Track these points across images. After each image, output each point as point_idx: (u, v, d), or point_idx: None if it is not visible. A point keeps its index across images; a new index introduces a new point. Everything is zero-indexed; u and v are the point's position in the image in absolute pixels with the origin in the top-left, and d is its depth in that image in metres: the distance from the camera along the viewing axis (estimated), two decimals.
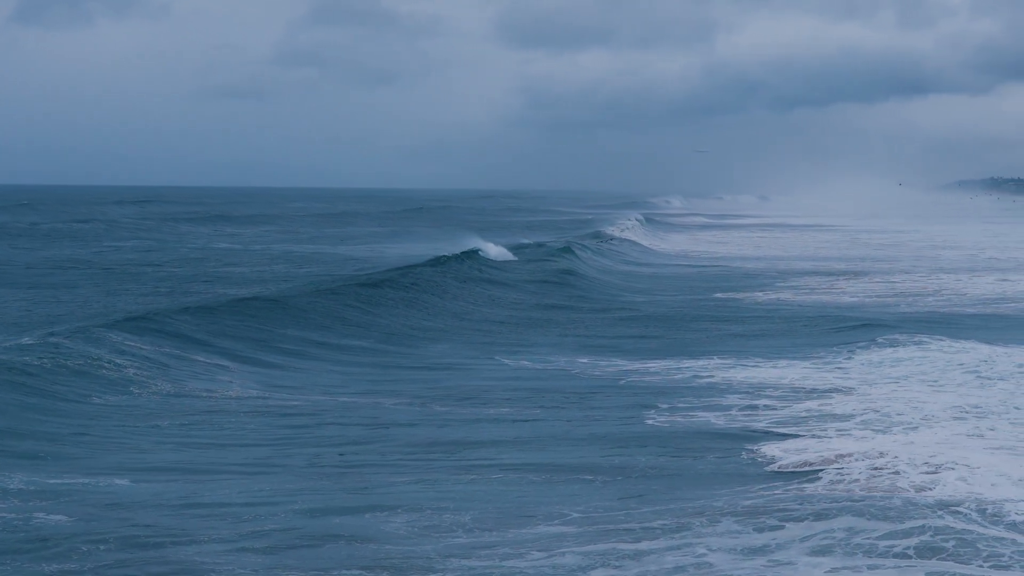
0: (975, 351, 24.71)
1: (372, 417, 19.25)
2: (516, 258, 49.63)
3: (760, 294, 41.13)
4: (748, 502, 13.68)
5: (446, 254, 45.51)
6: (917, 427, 17.65)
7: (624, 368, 24.42)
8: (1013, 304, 37.23)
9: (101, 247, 65.26)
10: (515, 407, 20.18)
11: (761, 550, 11.77)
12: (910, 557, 11.50)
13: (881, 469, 15.06)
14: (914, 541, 11.87)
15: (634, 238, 70.94)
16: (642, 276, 49.98)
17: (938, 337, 26.59)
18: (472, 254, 46.73)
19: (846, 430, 17.65)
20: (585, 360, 25.60)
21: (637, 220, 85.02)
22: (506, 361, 25.56)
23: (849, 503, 13.38)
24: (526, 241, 59.45)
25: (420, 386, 22.48)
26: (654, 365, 24.67)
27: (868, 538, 11.98)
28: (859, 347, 26.15)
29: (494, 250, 50.12)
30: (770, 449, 16.55)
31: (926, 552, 11.62)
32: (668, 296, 41.20)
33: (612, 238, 65.92)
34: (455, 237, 56.57)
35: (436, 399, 20.94)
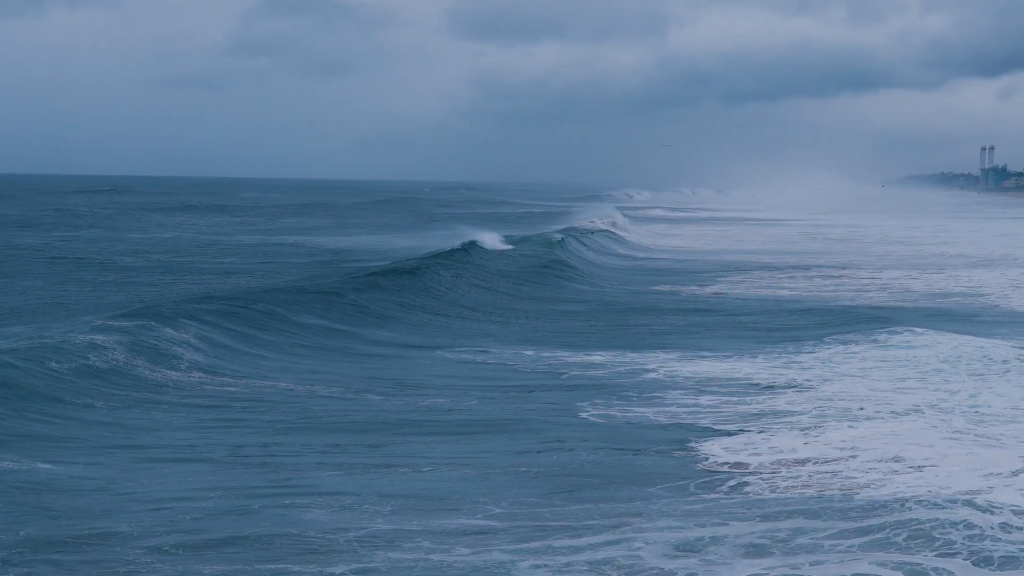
0: (931, 344, 24.45)
1: (303, 406, 18.95)
2: (511, 247, 49.52)
3: (710, 287, 40.95)
4: (686, 499, 13.44)
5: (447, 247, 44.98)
6: (868, 422, 17.41)
7: (568, 360, 24.15)
8: (959, 299, 37.25)
9: (100, 237, 64.30)
10: (450, 398, 19.87)
11: (696, 548, 11.48)
12: (853, 551, 11.27)
13: (829, 465, 14.91)
14: (861, 539, 11.62)
15: (620, 232, 70.15)
16: (620, 269, 49.69)
17: (893, 331, 26.39)
18: (472, 246, 46.52)
19: (794, 426, 17.43)
20: (530, 352, 25.31)
21: (614, 214, 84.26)
22: (447, 355, 25.02)
23: (793, 501, 13.15)
24: (521, 233, 58.80)
25: (359, 374, 22.20)
26: (599, 357, 24.38)
27: (813, 537, 11.72)
28: (810, 342, 25.95)
29: (490, 240, 49.70)
30: (711, 447, 16.28)
31: (871, 546, 11.41)
32: (626, 287, 40.86)
33: (594, 232, 64.72)
34: (454, 229, 56.18)
35: (372, 388, 20.66)
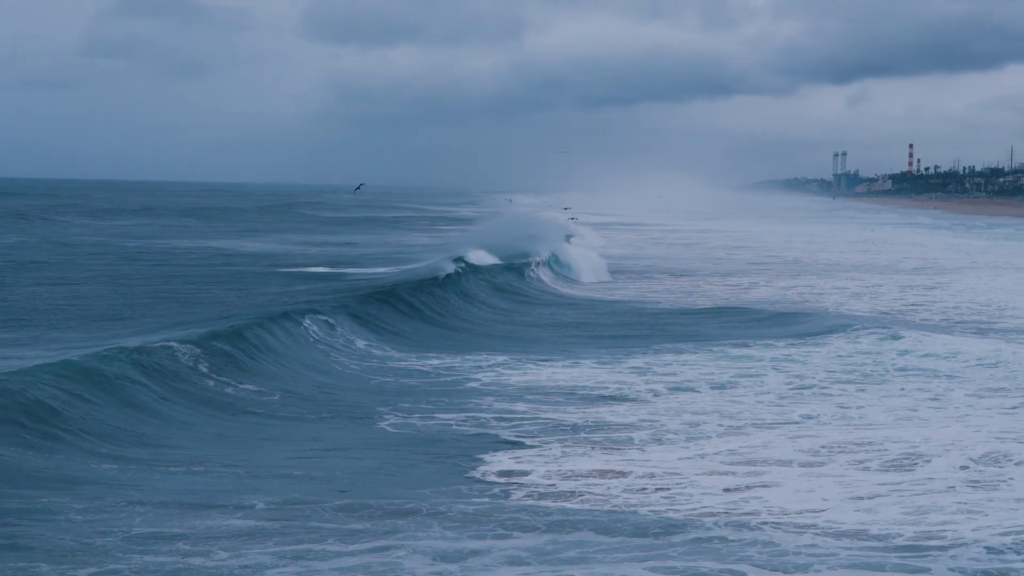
0: (779, 360, 24.37)
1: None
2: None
3: (550, 292, 40.56)
4: (461, 510, 13.27)
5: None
6: (688, 441, 17.35)
7: (394, 364, 23.84)
8: (765, 303, 37.21)
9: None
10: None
11: (461, 557, 11.44)
12: (635, 564, 11.23)
13: (631, 480, 14.89)
14: (644, 553, 11.60)
15: None
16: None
17: (744, 343, 26.52)
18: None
19: (607, 439, 17.27)
20: (362, 344, 25.15)
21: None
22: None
23: (578, 515, 13.09)
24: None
25: None
26: (432, 362, 24.15)
27: (594, 550, 11.71)
28: (638, 351, 25.66)
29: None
30: (502, 457, 16.15)
31: (654, 558, 11.39)
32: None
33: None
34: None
35: None
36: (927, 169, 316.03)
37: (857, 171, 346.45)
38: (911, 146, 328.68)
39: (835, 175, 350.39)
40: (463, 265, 39.51)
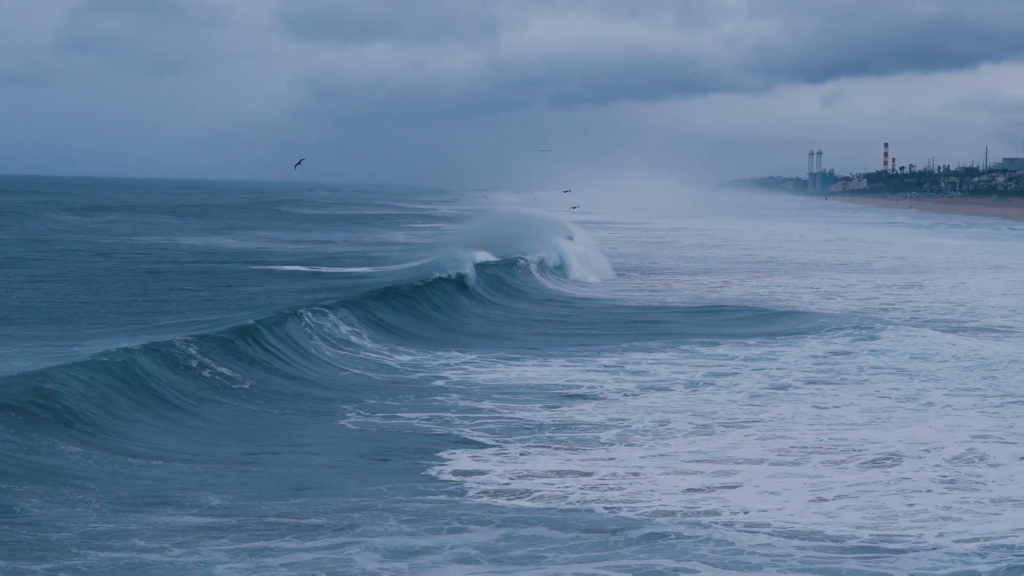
0: (728, 356, 24.19)
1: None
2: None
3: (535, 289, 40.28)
4: (417, 507, 13.19)
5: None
6: (640, 442, 17.14)
7: (365, 357, 23.79)
8: (739, 302, 37.12)
9: None
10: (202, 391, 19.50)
11: (412, 554, 11.41)
12: (588, 562, 11.20)
13: (591, 480, 14.71)
14: (598, 552, 11.53)
15: None
16: None
17: (714, 342, 26.32)
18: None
19: (573, 439, 17.11)
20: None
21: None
22: None
23: (533, 514, 13.02)
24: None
25: None
26: (402, 358, 23.91)
27: (546, 548, 11.64)
28: (608, 349, 25.36)
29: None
30: (462, 456, 16.01)
31: (608, 557, 11.35)
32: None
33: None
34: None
35: None
36: (902, 168, 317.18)
37: (832, 170, 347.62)
38: (886, 145, 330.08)
39: (810, 174, 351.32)
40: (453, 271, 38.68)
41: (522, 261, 43.91)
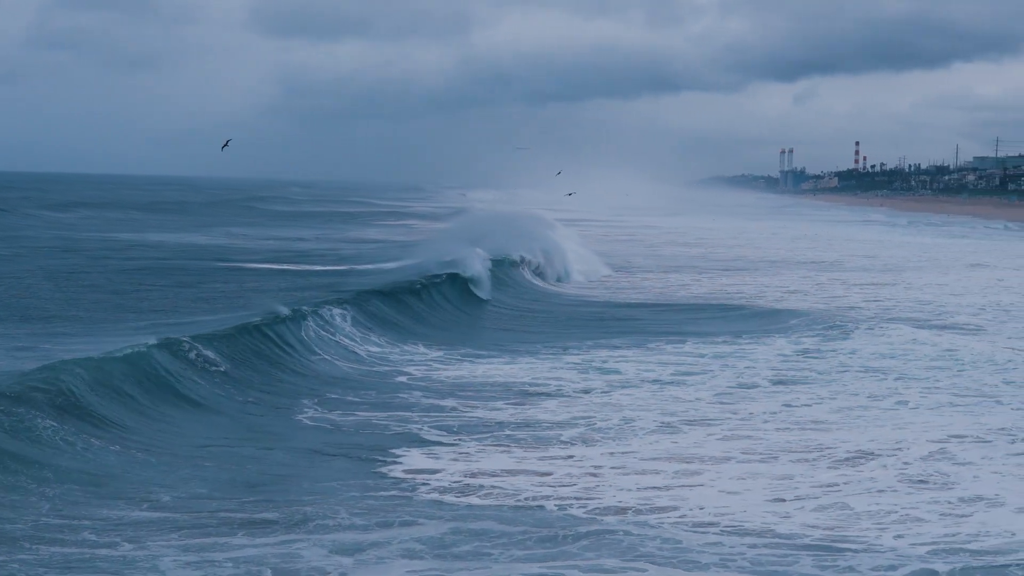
0: (697, 353, 23.88)
1: None
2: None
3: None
4: (368, 504, 13.11)
5: None
6: (601, 440, 16.99)
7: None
8: (709, 299, 36.91)
9: None
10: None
11: (359, 549, 11.39)
12: (533, 560, 11.14)
13: (540, 477, 14.61)
14: (545, 550, 11.47)
15: None
16: None
17: (677, 340, 25.97)
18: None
19: (524, 439, 17.03)
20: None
21: None
22: None
23: (484, 511, 12.96)
24: None
25: None
26: (372, 350, 23.90)
27: (492, 545, 11.58)
28: (576, 347, 25.18)
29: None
30: (416, 453, 15.87)
31: (556, 556, 11.29)
32: None
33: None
34: None
35: None
36: (873, 167, 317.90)
37: (804, 168, 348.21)
38: (857, 143, 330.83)
39: (782, 172, 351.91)
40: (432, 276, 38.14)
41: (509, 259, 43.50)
